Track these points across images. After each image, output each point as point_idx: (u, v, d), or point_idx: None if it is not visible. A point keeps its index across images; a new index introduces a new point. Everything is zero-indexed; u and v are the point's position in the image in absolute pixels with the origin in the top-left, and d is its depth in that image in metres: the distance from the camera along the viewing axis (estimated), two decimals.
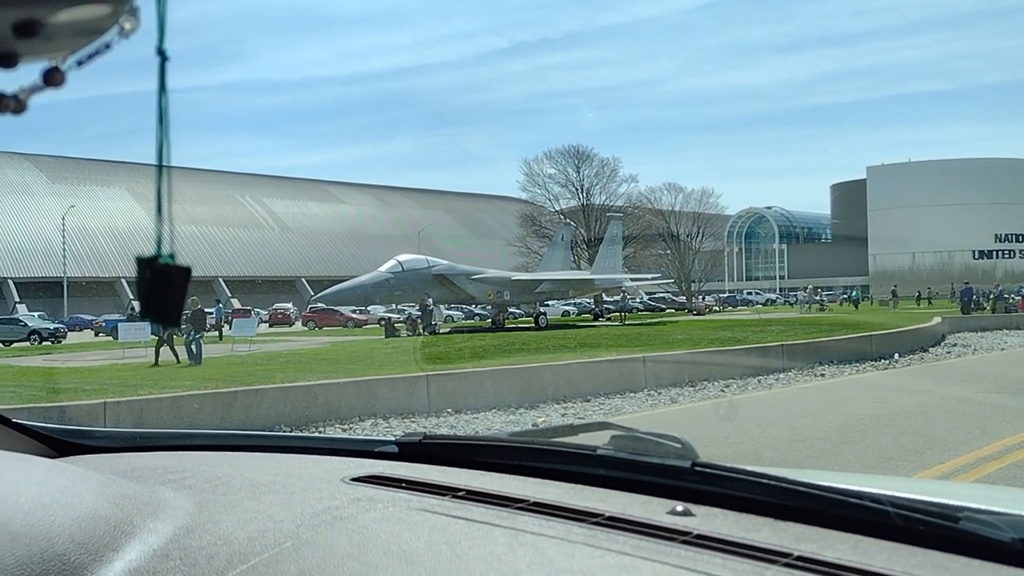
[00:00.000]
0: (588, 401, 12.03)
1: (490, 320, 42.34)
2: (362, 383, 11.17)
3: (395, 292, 36.33)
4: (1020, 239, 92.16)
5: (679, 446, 1.25)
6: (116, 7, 0.52)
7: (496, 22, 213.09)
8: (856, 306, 52.80)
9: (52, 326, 44.25)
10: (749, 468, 1.17)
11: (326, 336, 38.73)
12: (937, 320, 26.65)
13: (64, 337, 42.98)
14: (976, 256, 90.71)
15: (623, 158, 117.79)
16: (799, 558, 0.93)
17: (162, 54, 0.54)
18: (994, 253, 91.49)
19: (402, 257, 37.68)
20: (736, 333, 27.14)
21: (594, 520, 1.11)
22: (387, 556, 1.02)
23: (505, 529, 1.09)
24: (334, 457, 1.60)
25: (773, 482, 1.12)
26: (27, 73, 0.52)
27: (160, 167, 0.55)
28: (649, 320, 44.81)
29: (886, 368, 16.65)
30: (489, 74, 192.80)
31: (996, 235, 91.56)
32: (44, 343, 40.00)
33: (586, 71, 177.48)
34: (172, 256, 0.57)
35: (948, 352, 20.77)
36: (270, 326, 57.31)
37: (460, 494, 1.27)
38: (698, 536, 1.02)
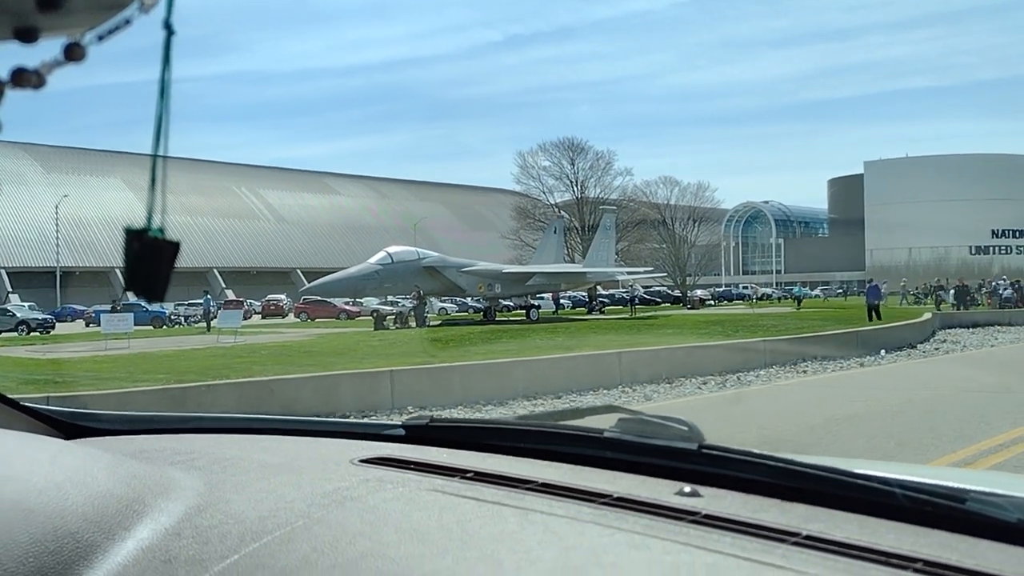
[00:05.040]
0: (559, 398, 11.73)
1: (482, 313, 42.15)
2: (323, 378, 10.87)
3: (385, 284, 36.06)
4: (1017, 234, 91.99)
5: (686, 429, 1.25)
6: None
7: (489, 15, 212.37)
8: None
9: (40, 316, 44.06)
10: (755, 451, 1.17)
11: (316, 328, 38.48)
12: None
13: (52, 328, 42.77)
14: (973, 251, 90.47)
15: (619, 152, 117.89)
16: (808, 537, 0.94)
17: (168, 27, 0.53)
18: (991, 249, 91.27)
19: (392, 249, 37.40)
20: (727, 327, 27.08)
21: (602, 500, 1.11)
22: (399, 534, 1.03)
23: (515, 509, 1.10)
24: (340, 439, 1.61)
25: (780, 464, 1.13)
26: (46, 49, 0.52)
27: (156, 142, 0.55)
28: (642, 314, 44.57)
29: (870, 365, 16.35)
30: (483, 67, 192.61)
31: (993, 230, 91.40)
32: (32, 334, 39.80)
33: (580, 65, 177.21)
34: (162, 230, 0.56)
35: (936, 349, 20.46)
36: (263, 317, 57.08)
37: (468, 475, 1.28)
38: (706, 516, 1.02)
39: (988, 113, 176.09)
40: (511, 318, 41.10)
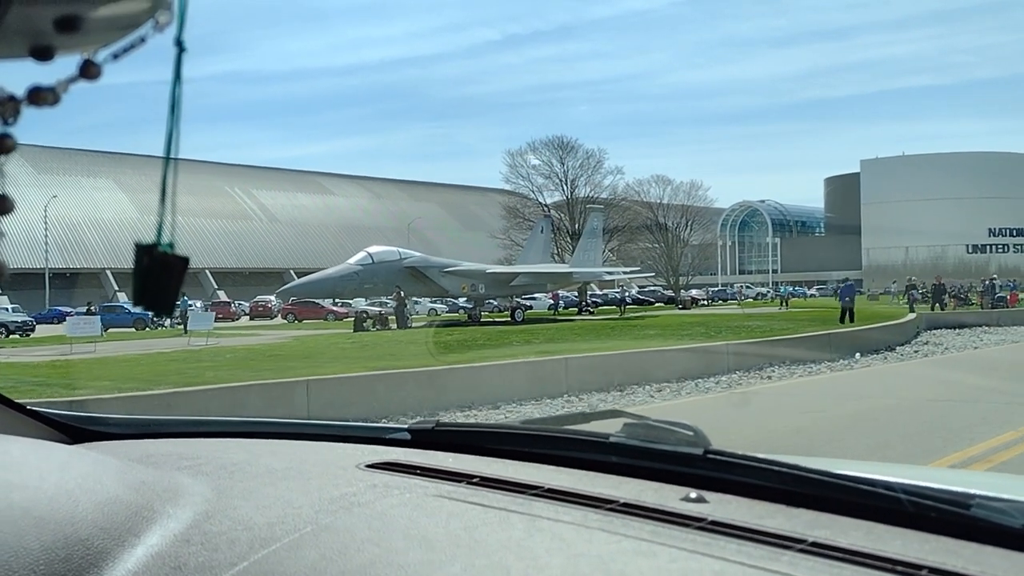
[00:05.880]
0: (497, 409, 11.01)
1: (467, 314, 41.60)
2: (229, 390, 10.16)
3: (365, 285, 35.44)
4: (1013, 233, 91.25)
5: (691, 434, 1.27)
6: (153, 1, 0.53)
7: (487, 14, 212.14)
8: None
9: (20, 319, 43.49)
10: (761, 456, 1.18)
11: (298, 330, 37.84)
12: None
13: (32, 330, 42.19)
14: (970, 250, 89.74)
15: (616, 152, 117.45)
16: (813, 544, 0.94)
17: (179, 45, 0.54)
18: (988, 247, 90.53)
19: (372, 249, 36.77)
20: (710, 329, 26.57)
21: (609, 506, 1.12)
22: (406, 541, 1.04)
23: (522, 515, 1.10)
24: (347, 444, 1.61)
25: (785, 469, 1.14)
26: (62, 66, 0.53)
27: (167, 157, 0.56)
28: (631, 315, 43.96)
29: (841, 370, 15.60)
30: (481, 66, 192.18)
31: (990, 229, 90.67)
32: (11, 336, 39.27)
33: (578, 64, 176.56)
34: (171, 245, 0.57)
35: (916, 351, 19.67)
36: (251, 319, 56.64)
37: (475, 480, 1.28)
38: (712, 522, 1.03)
39: (986, 112, 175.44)
40: (497, 319, 40.42)
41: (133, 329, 44.08)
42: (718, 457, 1.20)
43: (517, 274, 39.80)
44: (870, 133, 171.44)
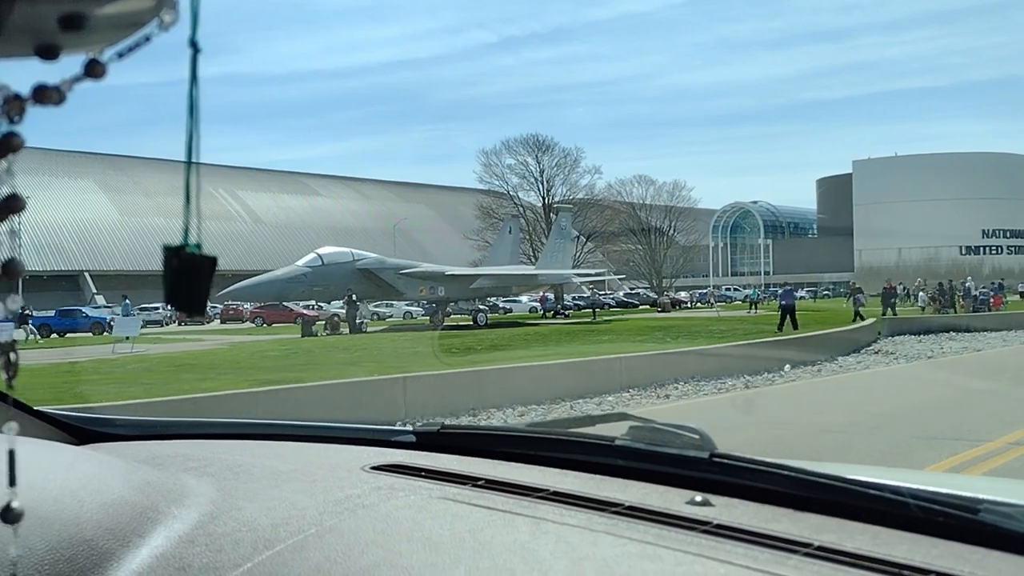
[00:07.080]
0: None
1: (429, 318, 40.24)
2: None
3: (314, 288, 33.99)
4: (1007, 234, 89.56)
5: (697, 437, 1.25)
6: (158, 0, 0.53)
7: (483, 16, 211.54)
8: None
9: None
10: (767, 459, 1.16)
11: (250, 335, 36.41)
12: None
13: None
14: (963, 251, 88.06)
15: (611, 153, 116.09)
16: (819, 548, 0.94)
17: (194, 46, 0.55)
18: (981, 249, 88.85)
19: (323, 250, 35.37)
20: (669, 333, 25.34)
21: (614, 509, 1.12)
22: (411, 543, 1.03)
23: (527, 518, 1.10)
24: (351, 446, 1.60)
25: (792, 473, 1.13)
26: (67, 65, 0.53)
27: (189, 161, 0.57)
28: (605, 318, 42.46)
29: (759, 385, 13.81)
30: (478, 69, 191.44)
31: (983, 230, 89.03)
32: None
33: (574, 66, 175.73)
34: (199, 246, 0.59)
35: (859, 361, 17.93)
36: (222, 322, 55.32)
37: (479, 483, 1.28)
38: (718, 526, 1.03)
39: (981, 113, 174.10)
40: (461, 323, 38.87)
41: (91, 333, 42.83)
42: (724, 461, 1.18)
43: (478, 276, 38.25)
44: (864, 134, 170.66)
